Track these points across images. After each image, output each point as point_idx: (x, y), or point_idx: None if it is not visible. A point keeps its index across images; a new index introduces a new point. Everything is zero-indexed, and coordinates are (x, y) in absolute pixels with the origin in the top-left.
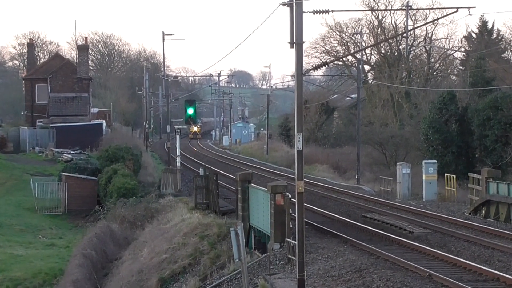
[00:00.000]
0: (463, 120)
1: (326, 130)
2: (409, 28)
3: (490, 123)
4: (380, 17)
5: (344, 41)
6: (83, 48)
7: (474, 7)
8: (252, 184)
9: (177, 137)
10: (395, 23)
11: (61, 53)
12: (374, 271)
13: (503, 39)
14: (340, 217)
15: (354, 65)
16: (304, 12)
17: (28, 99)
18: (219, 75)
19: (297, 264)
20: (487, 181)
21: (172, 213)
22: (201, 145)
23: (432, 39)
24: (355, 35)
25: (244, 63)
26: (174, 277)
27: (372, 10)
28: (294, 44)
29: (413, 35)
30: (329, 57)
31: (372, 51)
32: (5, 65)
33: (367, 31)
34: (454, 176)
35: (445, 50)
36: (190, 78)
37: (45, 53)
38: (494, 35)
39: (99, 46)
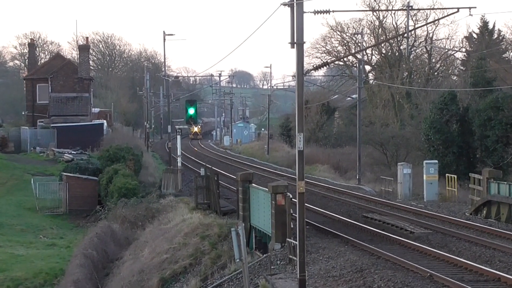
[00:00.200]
0: (464, 121)
1: (327, 130)
2: (410, 28)
3: (491, 124)
4: (381, 17)
5: (345, 41)
6: (84, 48)
7: (475, 7)
8: (253, 184)
9: (178, 137)
10: (396, 23)
11: (62, 53)
12: (375, 271)
13: (504, 40)
14: (341, 217)
15: (355, 65)
16: (305, 12)
17: (29, 99)
18: (220, 75)
19: (298, 264)
20: (488, 181)
21: (173, 213)
22: (202, 145)
23: (433, 39)
24: (356, 35)
25: (245, 63)
26: (175, 277)
27: (373, 10)
28: (295, 44)
29: (414, 35)
30: (330, 57)
31: (373, 51)
32: (6, 65)
33: (368, 31)
34: (455, 176)
35: (446, 50)
36: (191, 78)
37: (46, 53)
38: (495, 36)
39: (100, 46)
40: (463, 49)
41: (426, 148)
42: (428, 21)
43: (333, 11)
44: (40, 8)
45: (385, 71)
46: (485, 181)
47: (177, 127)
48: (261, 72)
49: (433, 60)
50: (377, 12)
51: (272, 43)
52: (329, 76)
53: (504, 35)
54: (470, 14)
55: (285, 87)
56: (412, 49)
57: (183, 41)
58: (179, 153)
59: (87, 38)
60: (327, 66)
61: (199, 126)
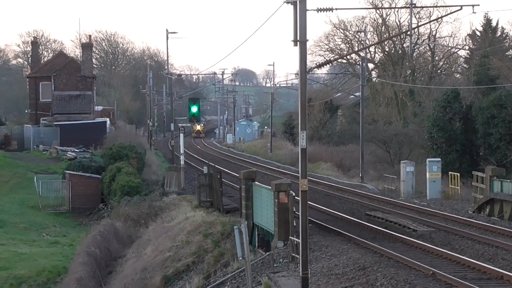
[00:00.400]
0: (467, 118)
1: (330, 128)
2: (413, 26)
3: (494, 121)
4: (384, 15)
5: (348, 39)
6: (87, 46)
7: (478, 5)
8: (256, 182)
9: (181, 135)
10: (399, 21)
11: (65, 51)
12: (377, 269)
13: (507, 37)
14: (344, 215)
15: (358, 63)
16: (308, 10)
17: (32, 97)
18: (223, 73)
19: (301, 262)
20: (491, 179)
21: (176, 211)
22: (205, 143)
23: (436, 37)
24: (359, 33)
25: (248, 61)
26: (178, 275)
27: (376, 8)
28: (298, 42)
29: (417, 33)
30: (333, 55)
31: (376, 49)
32: (9, 63)
33: (371, 29)
34: (458, 174)
35: (449, 48)
36: (194, 76)
37: (49, 51)
38: (498, 33)
39: (103, 44)
40: (466, 47)
41: (429, 146)
42: (431, 19)
43: (336, 9)
44: (43, 6)
45: (388, 69)
46: (488, 179)
47: (180, 125)
48: (264, 70)
49: (436, 58)
50: (380, 10)
51: (275, 41)
52: (332, 74)
53: (507, 33)
54: (473, 12)
55: (288, 85)
56: (415, 47)
57: (186, 39)
58: (182, 151)
59: (90, 36)
60: (330, 64)
61: (202, 125)
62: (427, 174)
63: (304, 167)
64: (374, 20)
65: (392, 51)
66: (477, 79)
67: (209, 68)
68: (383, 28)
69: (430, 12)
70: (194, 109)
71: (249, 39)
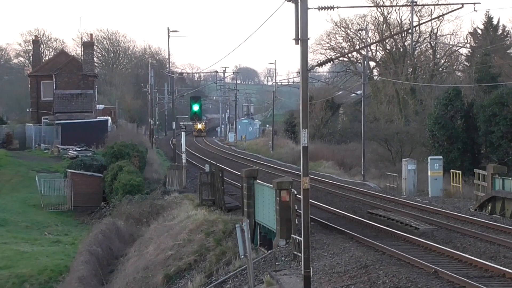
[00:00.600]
0: (469, 116)
1: (332, 126)
2: (415, 24)
3: (495, 119)
4: (386, 13)
5: (349, 38)
6: (88, 45)
7: (480, 3)
8: (258, 181)
9: (182, 133)
10: (401, 19)
11: (66, 50)
12: (379, 267)
13: (508, 35)
14: (345, 213)
15: (359, 61)
16: (309, 8)
17: (34, 96)
18: (224, 72)
19: (303, 260)
20: (492, 177)
21: (178, 210)
22: (207, 142)
23: (438, 35)
24: (360, 31)
25: (249, 59)
26: (179, 273)
27: (378, 6)
28: (299, 41)
29: (418, 31)
30: (335, 53)
31: (378, 47)
32: (11, 62)
33: (373, 27)
34: (460, 172)
35: (451, 46)
36: (195, 74)
37: (51, 50)
38: (500, 31)
39: (104, 43)
40: (468, 45)
41: (430, 144)
42: (433, 16)
43: (337, 7)
44: (44, 5)
45: (389, 67)
46: (489, 176)
47: (181, 123)
48: (265, 68)
49: (438, 56)
50: (382, 8)
51: (277, 40)
52: (333, 72)
53: (508, 30)
54: (474, 10)
55: (289, 83)
56: (416, 45)
57: (188, 37)
58: (183, 149)
59: (91, 35)
60: (332, 62)
61: (203, 123)
62: (429, 172)
63: (305, 165)
64: (376, 18)
65: (394, 49)
66: (478, 77)
67: (210, 66)
68: (384, 26)
69: (431, 10)
70: (196, 107)
71: (251, 38)
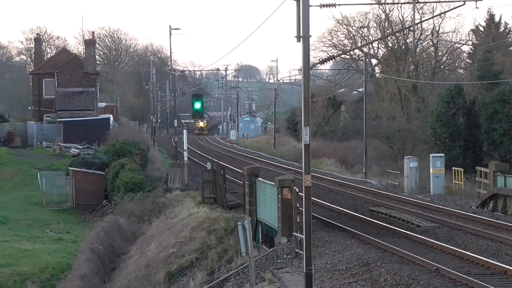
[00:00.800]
0: (471, 114)
1: (333, 124)
2: (416, 21)
3: (497, 117)
4: (387, 11)
5: (351, 35)
6: (90, 43)
7: (481, 0)
8: (260, 178)
9: (184, 131)
10: (402, 17)
11: (68, 48)
12: (381, 264)
13: (510, 32)
14: (347, 211)
15: (361, 58)
16: (311, 6)
17: (36, 94)
18: (226, 69)
19: (305, 258)
20: (494, 174)
21: (180, 208)
22: (208, 139)
23: (439, 32)
24: (362, 29)
25: (251, 57)
26: (181, 271)
27: (379, 3)
28: (301, 38)
29: (420, 29)
30: (336, 51)
31: (379, 45)
32: (13, 60)
33: (374, 24)
34: (462, 169)
35: (453, 43)
36: (197, 72)
37: (52, 48)
38: (502, 28)
39: (106, 40)
40: (470, 42)
41: (432, 142)
42: (435, 14)
43: (339, 5)
44: (46, 3)
45: (391, 65)
46: (491, 174)
47: (183, 121)
48: (267, 66)
49: (440, 53)
50: (383, 5)
51: (278, 37)
52: (335, 70)
53: (510, 28)
54: (476, 7)
55: (291, 81)
56: (418, 42)
57: (189, 35)
58: (185, 147)
59: (93, 32)
60: (333, 59)
61: (205, 121)
62: (431, 169)
63: (307, 163)
64: (377, 15)
65: (395, 47)
66: (480, 74)
67: (212, 64)
68: (386, 24)
69: (433, 7)
70: (198, 105)
71: (253, 35)
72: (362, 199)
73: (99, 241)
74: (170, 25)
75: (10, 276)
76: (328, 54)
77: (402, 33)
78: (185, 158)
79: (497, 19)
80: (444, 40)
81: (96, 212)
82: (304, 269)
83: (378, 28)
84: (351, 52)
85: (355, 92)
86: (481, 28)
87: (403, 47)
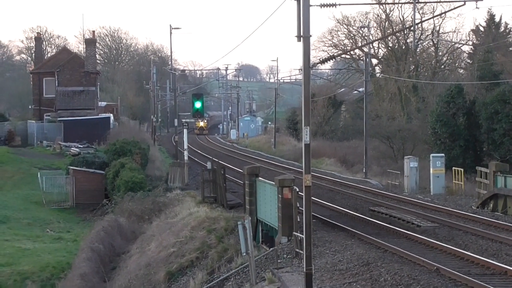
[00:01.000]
0: (471, 114)
1: (334, 123)
2: (417, 21)
3: (498, 117)
4: (388, 11)
5: (352, 35)
6: (90, 42)
7: (482, 0)
8: (260, 178)
9: (185, 130)
10: (403, 17)
11: (68, 47)
12: (381, 264)
13: (511, 32)
14: (347, 210)
15: (361, 58)
16: (311, 5)
17: (36, 93)
18: (226, 69)
19: (305, 257)
20: (495, 174)
21: (180, 207)
22: (209, 139)
23: (440, 32)
24: (362, 29)
25: (251, 57)
26: (181, 270)
27: (380, 3)
28: (302, 38)
29: (420, 29)
30: (337, 50)
31: (380, 45)
32: (13, 59)
33: (375, 24)
34: (462, 169)
35: (453, 43)
36: (197, 71)
37: (53, 47)
38: (502, 28)
39: (107, 40)
40: (470, 42)
41: (432, 142)
42: (435, 14)
43: (339, 5)
44: (46, 2)
45: (391, 65)
46: (492, 174)
47: (183, 120)
48: (267, 65)
49: (440, 53)
50: (384, 5)
51: (279, 37)
52: (335, 70)
53: (511, 28)
54: (476, 7)
55: (291, 80)
56: (418, 42)
57: (190, 34)
58: (185, 146)
59: (93, 32)
60: (334, 59)
61: (205, 121)
62: (431, 169)
63: (307, 163)
64: (378, 15)
65: (396, 47)
66: (480, 75)
67: (212, 63)
68: (386, 24)
69: (433, 7)
70: (198, 104)
71: (253, 35)
72: (362, 199)
73: (99, 240)
74: (170, 25)
75: (10, 275)
76: (328, 53)
77: (402, 33)
78: (185, 158)
79: (497, 19)
80: (444, 40)
81: (96, 211)
82: (304, 268)
83: (379, 28)
84: (352, 52)
85: (355, 92)
86: (481, 28)
87: (404, 47)
